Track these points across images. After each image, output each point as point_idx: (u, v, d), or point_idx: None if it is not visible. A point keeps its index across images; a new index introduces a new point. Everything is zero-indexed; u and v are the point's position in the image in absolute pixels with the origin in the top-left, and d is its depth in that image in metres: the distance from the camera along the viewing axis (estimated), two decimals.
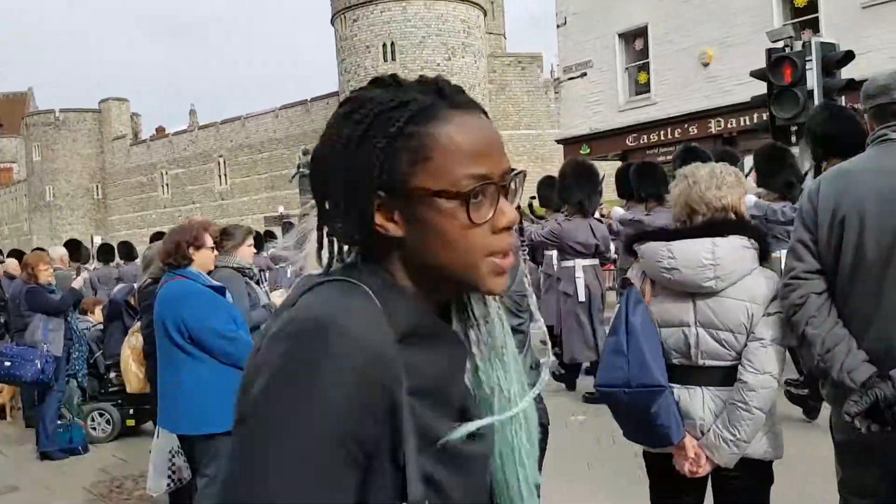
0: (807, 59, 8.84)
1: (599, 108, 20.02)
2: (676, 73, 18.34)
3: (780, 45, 9.37)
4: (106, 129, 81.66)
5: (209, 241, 3.82)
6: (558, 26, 20.92)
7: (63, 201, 78.83)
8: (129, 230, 71.12)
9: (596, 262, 7.35)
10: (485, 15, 64.01)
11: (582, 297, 7.14)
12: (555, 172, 8.04)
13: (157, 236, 9.27)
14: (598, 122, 20.03)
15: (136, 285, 6.23)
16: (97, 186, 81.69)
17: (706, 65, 17.72)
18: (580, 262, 7.15)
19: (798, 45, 9.14)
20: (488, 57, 63.61)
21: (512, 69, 66.23)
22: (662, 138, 18.69)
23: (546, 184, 9.05)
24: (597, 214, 7.69)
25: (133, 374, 4.46)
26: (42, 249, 9.26)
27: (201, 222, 3.99)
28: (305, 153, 27.97)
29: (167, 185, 78.90)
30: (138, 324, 4.56)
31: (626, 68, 19.73)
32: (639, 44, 19.42)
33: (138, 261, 10.43)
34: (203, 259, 3.78)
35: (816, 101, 8.42)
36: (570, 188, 7.33)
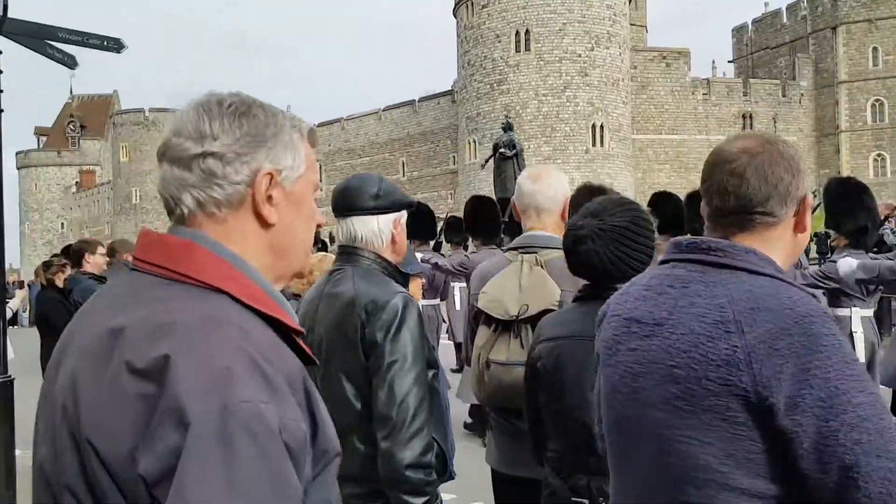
0: None
1: None
2: None
3: None
4: None
5: None
6: None
7: (150, 204, 76.09)
8: None
9: None
10: (629, 1, 55.90)
11: None
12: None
13: None
14: None
15: None
16: None
17: None
18: None
19: None
20: (630, 50, 55.40)
21: (655, 65, 58.07)
22: None
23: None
24: None
25: None
26: None
27: None
28: (507, 128, 20.14)
29: None
30: None
31: None
32: None
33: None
34: None
35: None
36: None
